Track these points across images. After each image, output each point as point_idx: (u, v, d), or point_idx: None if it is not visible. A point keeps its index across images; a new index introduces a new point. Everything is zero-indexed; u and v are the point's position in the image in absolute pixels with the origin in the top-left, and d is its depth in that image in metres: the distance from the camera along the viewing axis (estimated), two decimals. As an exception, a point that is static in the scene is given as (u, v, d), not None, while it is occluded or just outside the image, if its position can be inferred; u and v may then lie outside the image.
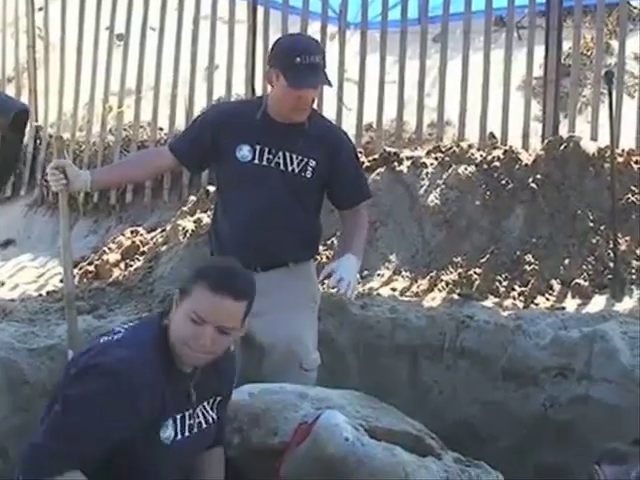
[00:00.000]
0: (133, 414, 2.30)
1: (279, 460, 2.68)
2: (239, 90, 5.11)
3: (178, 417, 2.42)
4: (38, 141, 5.55)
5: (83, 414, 2.27)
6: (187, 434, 2.45)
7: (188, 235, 4.16)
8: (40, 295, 4.10)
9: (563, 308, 3.66)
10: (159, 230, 4.54)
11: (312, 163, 3.24)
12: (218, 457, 2.64)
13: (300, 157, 3.23)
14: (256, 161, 3.24)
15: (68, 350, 3.23)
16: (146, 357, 2.32)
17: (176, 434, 2.42)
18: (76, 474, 2.28)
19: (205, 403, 2.52)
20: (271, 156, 3.24)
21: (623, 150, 4.14)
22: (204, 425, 2.50)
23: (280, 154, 3.23)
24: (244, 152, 3.25)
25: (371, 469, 2.52)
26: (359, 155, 3.62)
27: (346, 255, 3.19)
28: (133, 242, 4.44)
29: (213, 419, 2.54)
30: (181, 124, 4.97)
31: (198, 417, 2.49)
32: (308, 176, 3.24)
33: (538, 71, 4.71)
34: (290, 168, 3.24)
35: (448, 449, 2.80)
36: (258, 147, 3.23)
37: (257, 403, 2.82)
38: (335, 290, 3.14)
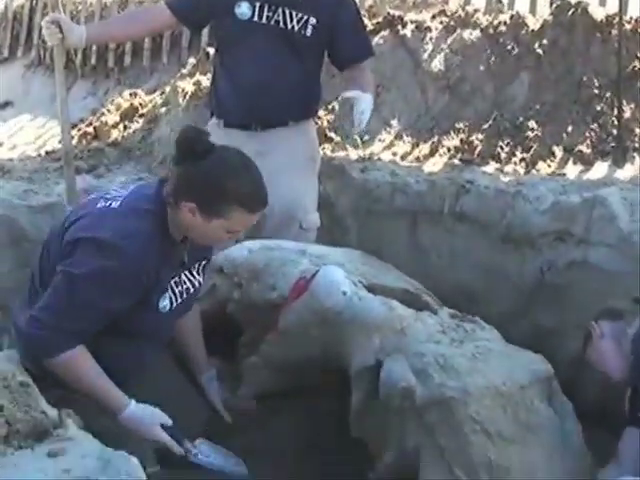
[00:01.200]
0: (135, 287, 2.35)
1: (277, 313, 2.72)
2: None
3: (173, 284, 2.48)
4: (34, 1, 5.39)
5: (88, 292, 2.29)
6: (179, 300, 2.53)
7: (187, 97, 4.10)
8: (39, 155, 4.09)
9: (564, 174, 3.61)
10: (158, 92, 4.47)
11: (312, 21, 3.18)
12: (197, 315, 2.75)
13: (300, 14, 3.17)
14: (255, 19, 3.18)
15: (67, 207, 3.26)
16: (146, 230, 2.33)
17: (171, 302, 2.49)
18: (82, 349, 2.33)
19: (193, 268, 2.57)
20: (270, 13, 3.18)
21: (631, 17, 4.01)
22: (191, 290, 2.58)
23: (280, 11, 3.17)
24: (243, 9, 3.20)
25: (368, 322, 2.56)
26: (362, 17, 3.50)
27: (367, 93, 3.13)
28: (132, 104, 4.39)
29: (199, 282, 2.61)
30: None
31: (186, 283, 2.55)
32: (308, 34, 3.19)
33: None
34: (290, 26, 3.18)
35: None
36: (257, 3, 3.17)
37: (256, 259, 2.84)
38: (353, 124, 3.08)
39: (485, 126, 3.90)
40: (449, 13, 4.28)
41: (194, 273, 2.58)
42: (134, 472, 1.78)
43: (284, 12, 3.16)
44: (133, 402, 2.40)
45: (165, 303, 2.46)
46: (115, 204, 2.37)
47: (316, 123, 3.72)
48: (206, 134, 2.38)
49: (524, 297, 3.44)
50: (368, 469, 2.68)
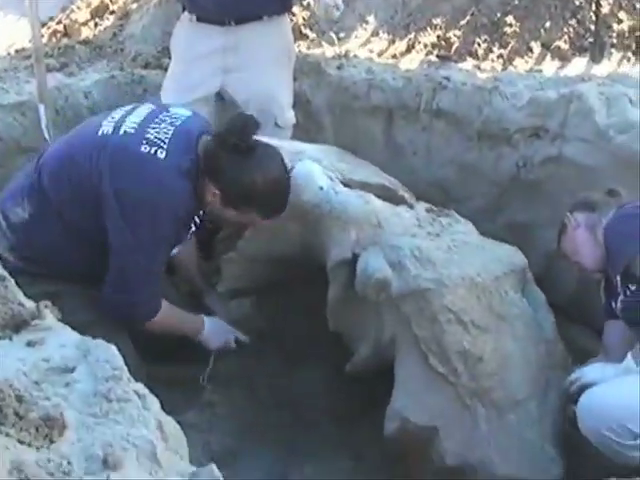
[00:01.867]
0: (177, 235, 2.49)
1: None
2: None
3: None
4: None
5: (156, 255, 2.41)
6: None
7: (159, -7, 3.96)
8: (8, 54, 3.96)
9: (541, 70, 3.56)
10: (129, -12, 4.30)
11: None
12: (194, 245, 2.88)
13: None
14: None
15: (39, 105, 3.20)
16: (189, 190, 2.39)
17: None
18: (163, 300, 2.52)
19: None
20: None
21: None
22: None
23: None
24: None
25: (344, 216, 2.56)
26: None
27: None
28: (102, 1, 4.24)
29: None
30: None
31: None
32: None
33: None
34: None
35: (421, 204, 2.83)
36: None
37: None
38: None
39: (462, 22, 3.83)
40: None
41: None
42: (114, 360, 1.78)
43: None
44: (206, 321, 2.66)
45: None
46: (161, 154, 2.35)
47: (291, 20, 3.65)
48: (254, 128, 2.37)
49: (499, 193, 3.43)
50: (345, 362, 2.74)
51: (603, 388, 2.43)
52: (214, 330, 2.69)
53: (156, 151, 2.35)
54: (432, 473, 2.55)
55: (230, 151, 2.35)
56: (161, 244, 2.41)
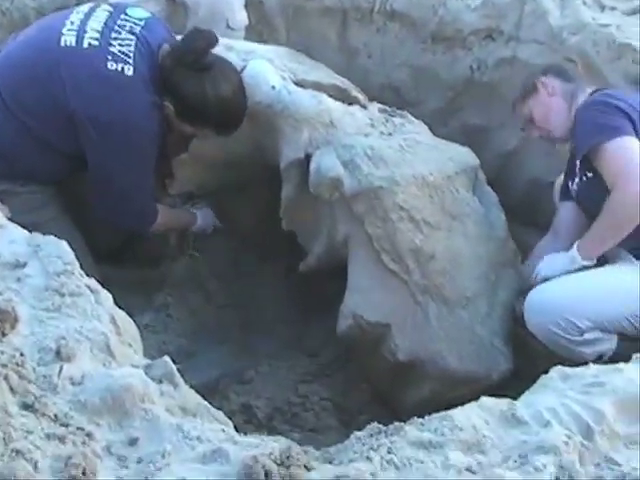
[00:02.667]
0: (155, 147, 2.49)
1: None
2: None
3: None
4: None
5: (139, 169, 2.45)
6: None
7: None
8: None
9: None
10: None
11: None
12: None
13: None
14: None
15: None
16: (157, 102, 2.41)
17: None
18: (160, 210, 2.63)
19: None
20: None
21: None
22: None
23: None
24: None
25: (297, 115, 2.55)
26: None
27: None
28: None
29: None
30: None
31: None
32: None
33: None
34: None
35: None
36: None
37: None
38: None
39: None
40: None
41: None
42: (65, 256, 1.78)
43: None
44: (198, 213, 2.80)
45: None
46: (128, 70, 2.35)
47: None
48: (212, 45, 2.39)
49: (453, 96, 3.43)
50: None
51: (549, 284, 2.48)
52: (207, 220, 2.85)
53: (123, 68, 2.35)
54: (385, 369, 2.62)
55: (187, 68, 2.36)
56: (145, 160, 2.44)
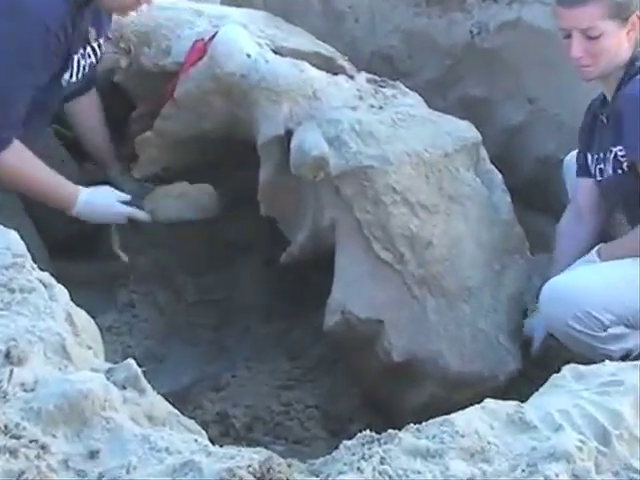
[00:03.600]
0: (45, 53, 2.36)
1: (173, 82, 2.69)
2: None
3: (76, 57, 2.53)
4: None
5: (16, 70, 2.29)
6: (80, 75, 2.60)
7: None
8: None
9: None
10: None
11: None
12: (98, 101, 2.81)
13: None
14: None
15: None
16: None
17: (71, 75, 2.55)
18: (20, 144, 2.36)
19: (95, 42, 2.62)
20: None
21: None
22: (94, 63, 2.66)
23: None
24: None
25: (276, 87, 2.55)
26: None
27: None
28: None
29: (97, 59, 2.66)
30: None
31: (90, 57, 2.63)
32: None
33: None
34: None
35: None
36: None
37: (146, 20, 2.80)
38: None
39: None
40: None
41: (96, 48, 2.64)
42: (15, 247, 1.78)
43: None
44: (83, 190, 2.52)
45: (67, 75, 2.52)
46: None
47: None
48: None
49: (452, 64, 3.42)
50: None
51: (566, 276, 2.50)
52: (97, 203, 2.58)
53: None
54: (378, 371, 2.62)
55: None
56: (25, 63, 2.29)
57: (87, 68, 2.63)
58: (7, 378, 1.51)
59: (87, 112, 2.80)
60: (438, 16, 3.42)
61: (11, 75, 2.28)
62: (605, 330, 2.42)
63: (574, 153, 2.80)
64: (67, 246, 2.78)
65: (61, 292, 1.77)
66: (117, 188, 2.73)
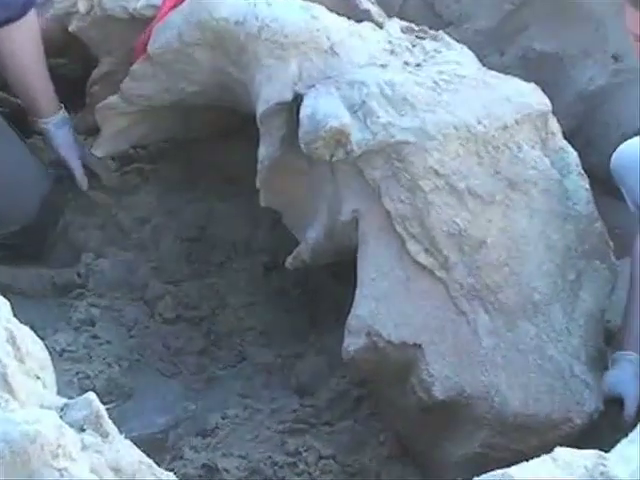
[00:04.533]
0: None
1: (145, 31, 2.72)
2: None
3: None
4: None
5: None
6: None
7: None
8: None
9: None
10: None
11: None
12: (36, 27, 2.85)
13: None
14: None
15: None
16: None
17: None
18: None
19: None
20: None
21: None
22: None
23: None
24: None
25: (281, 37, 2.56)
26: None
27: None
28: None
29: None
30: None
31: None
32: None
33: None
34: None
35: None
36: None
37: None
38: None
39: None
40: None
41: None
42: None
43: None
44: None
45: None
46: None
47: None
48: None
49: (512, 10, 3.44)
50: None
51: None
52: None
53: None
54: (414, 412, 2.62)
55: None
56: None
57: None
58: None
59: (18, 44, 2.81)
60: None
61: None
62: None
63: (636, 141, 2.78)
64: (9, 246, 2.79)
65: (0, 305, 1.78)
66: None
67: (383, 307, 2.53)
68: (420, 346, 2.52)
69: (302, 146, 2.52)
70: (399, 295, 2.53)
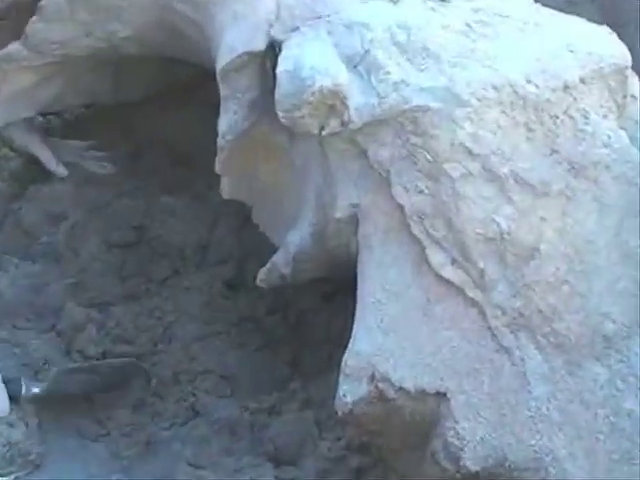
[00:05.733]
0: None
1: None
2: None
3: None
4: None
5: None
6: None
7: None
8: None
9: None
10: None
11: None
12: None
13: None
14: None
15: None
16: None
17: None
18: None
19: None
20: None
21: None
22: None
23: None
24: None
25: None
26: None
27: None
28: None
29: None
30: None
31: None
32: None
33: None
34: None
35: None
36: None
37: None
38: None
39: None
40: None
41: None
42: None
43: None
44: None
45: None
46: None
47: None
48: None
49: None
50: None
51: None
52: None
53: None
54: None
55: None
56: None
57: None
58: None
59: None
60: None
61: None
62: None
63: None
64: None
65: None
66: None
67: (393, 341, 2.54)
68: (445, 396, 2.53)
69: (280, 114, 2.53)
70: (416, 324, 2.54)
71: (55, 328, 3.03)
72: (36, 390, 2.88)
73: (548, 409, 2.54)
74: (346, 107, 2.50)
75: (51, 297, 3.04)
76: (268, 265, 2.74)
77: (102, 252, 3.10)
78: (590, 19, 2.82)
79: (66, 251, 3.09)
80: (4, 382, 2.83)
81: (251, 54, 2.58)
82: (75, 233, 3.09)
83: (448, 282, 2.53)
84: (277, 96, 2.52)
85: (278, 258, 2.72)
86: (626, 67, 2.70)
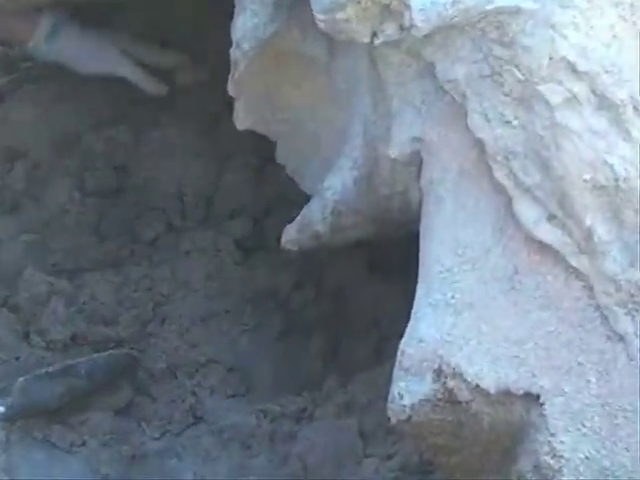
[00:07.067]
0: None
1: None
2: None
3: None
4: None
5: None
6: None
7: None
8: None
9: None
10: None
11: None
12: None
13: None
14: None
15: None
16: None
17: None
18: None
19: None
20: None
21: None
22: None
23: None
24: None
25: None
26: None
27: None
28: None
29: None
30: None
31: None
32: None
33: None
34: None
35: None
36: None
37: None
38: None
39: None
40: None
41: None
42: None
43: None
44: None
45: None
46: None
47: None
48: None
49: None
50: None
51: None
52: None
53: None
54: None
55: None
56: None
57: None
58: None
59: None
60: None
61: None
62: None
63: None
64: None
65: None
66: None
67: (467, 324, 2.53)
68: (537, 399, 2.52)
69: (317, 16, 2.52)
70: (498, 301, 2.53)
71: (8, 302, 3.05)
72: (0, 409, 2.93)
73: (677, 417, 2.53)
74: (407, 7, 2.48)
75: (4, 260, 3.06)
76: (297, 220, 2.73)
77: (73, 201, 3.12)
78: None
79: (25, 199, 3.10)
80: None
81: None
82: (37, 175, 3.11)
83: (543, 245, 2.51)
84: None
85: (311, 211, 2.72)
86: None
